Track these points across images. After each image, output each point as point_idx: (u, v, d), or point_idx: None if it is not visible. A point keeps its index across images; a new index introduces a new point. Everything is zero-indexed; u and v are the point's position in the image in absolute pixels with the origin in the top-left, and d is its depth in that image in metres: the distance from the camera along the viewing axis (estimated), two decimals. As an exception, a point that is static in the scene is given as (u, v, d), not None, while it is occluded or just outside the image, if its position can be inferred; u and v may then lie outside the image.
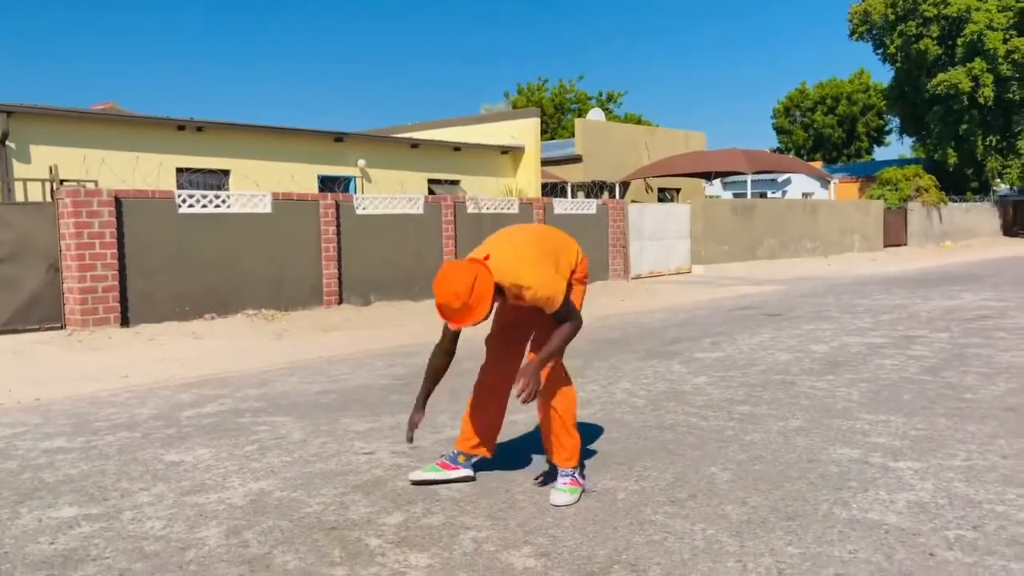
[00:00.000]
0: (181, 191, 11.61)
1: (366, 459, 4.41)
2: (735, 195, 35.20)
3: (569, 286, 3.64)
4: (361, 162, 16.98)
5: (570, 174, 24.62)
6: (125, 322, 10.88)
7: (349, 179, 17.05)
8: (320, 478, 4.11)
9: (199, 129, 14.85)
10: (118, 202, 10.85)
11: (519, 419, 5.24)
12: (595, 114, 30.62)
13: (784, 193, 38.02)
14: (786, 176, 37.09)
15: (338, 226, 13.09)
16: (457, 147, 18.96)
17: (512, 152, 20.06)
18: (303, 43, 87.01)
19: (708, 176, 26.40)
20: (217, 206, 11.82)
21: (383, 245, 13.65)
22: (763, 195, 36.07)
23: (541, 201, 15.38)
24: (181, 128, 14.68)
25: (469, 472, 3.94)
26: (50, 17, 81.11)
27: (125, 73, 78.73)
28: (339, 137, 16.76)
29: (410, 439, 3.82)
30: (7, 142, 12.66)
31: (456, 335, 3.73)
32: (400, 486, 3.93)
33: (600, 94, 47.38)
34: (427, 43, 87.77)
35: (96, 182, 11.98)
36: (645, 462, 4.27)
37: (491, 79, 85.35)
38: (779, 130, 54.45)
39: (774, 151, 47.97)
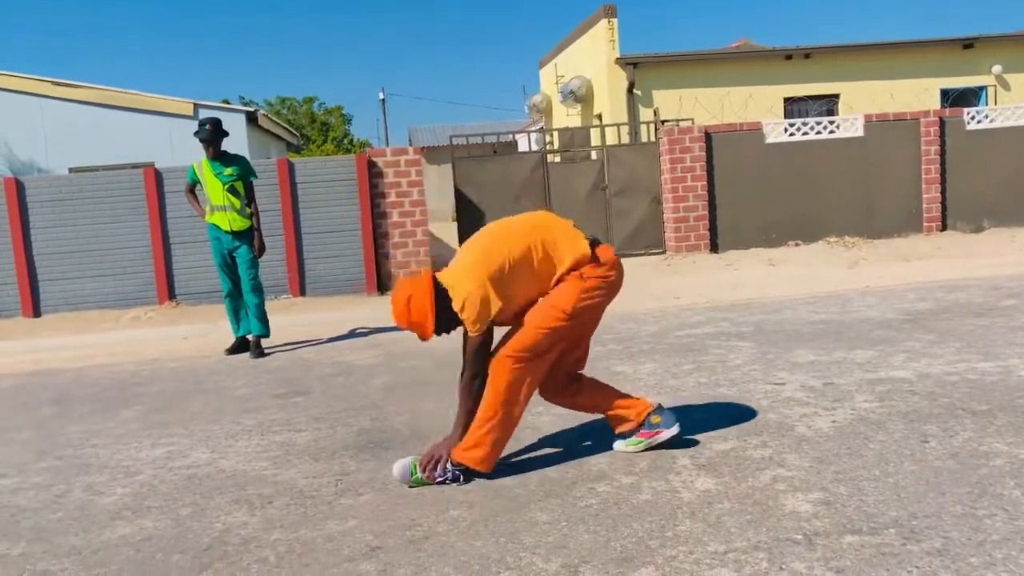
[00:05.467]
0: (769, 122, 11.99)
1: (768, 389, 4.39)
2: None
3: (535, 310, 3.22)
4: (996, 68, 14.88)
5: None
6: (714, 248, 11.85)
7: (980, 90, 15.12)
8: (712, 399, 4.29)
9: (807, 56, 14.85)
10: (708, 137, 11.77)
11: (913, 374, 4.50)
12: None
13: None
14: None
15: (942, 145, 11.94)
16: None
17: None
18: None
19: None
20: (805, 133, 11.91)
21: (1002, 164, 12.01)
22: None
23: None
24: (788, 57, 14.89)
25: (674, 430, 3.45)
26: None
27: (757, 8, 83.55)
28: (968, 43, 14.92)
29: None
30: (634, 90, 14.62)
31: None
32: (766, 418, 3.89)
33: None
34: None
35: (692, 120, 13.05)
36: (1085, 432, 3.39)
37: None
38: None
39: None
